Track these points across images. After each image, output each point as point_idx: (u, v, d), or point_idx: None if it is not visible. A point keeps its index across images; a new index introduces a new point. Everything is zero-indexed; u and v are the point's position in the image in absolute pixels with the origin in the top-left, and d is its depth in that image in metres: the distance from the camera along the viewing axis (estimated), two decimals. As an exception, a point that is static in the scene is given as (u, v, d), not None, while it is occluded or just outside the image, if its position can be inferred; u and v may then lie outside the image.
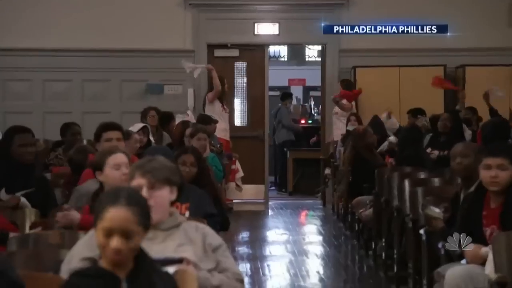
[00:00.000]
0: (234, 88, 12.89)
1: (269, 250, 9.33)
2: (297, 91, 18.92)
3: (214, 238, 3.70)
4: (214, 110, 11.34)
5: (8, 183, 5.64)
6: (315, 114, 17.16)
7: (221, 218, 5.64)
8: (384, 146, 10.27)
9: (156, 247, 3.45)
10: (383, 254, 7.69)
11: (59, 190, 6.45)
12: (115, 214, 2.87)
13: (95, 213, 2.94)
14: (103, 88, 12.58)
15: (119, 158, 4.92)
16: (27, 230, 5.14)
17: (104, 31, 12.29)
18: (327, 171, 12.29)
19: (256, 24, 12.75)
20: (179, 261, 3.34)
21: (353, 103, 12.07)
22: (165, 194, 3.65)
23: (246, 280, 7.43)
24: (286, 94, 15.56)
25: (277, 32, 12.82)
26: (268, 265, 8.38)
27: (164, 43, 12.44)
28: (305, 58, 19.67)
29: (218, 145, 9.97)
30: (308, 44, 16.94)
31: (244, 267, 8.09)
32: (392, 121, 11.29)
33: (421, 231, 5.81)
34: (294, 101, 16.45)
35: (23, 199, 5.55)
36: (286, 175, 14.27)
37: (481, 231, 4.87)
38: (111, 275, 2.90)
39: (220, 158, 9.14)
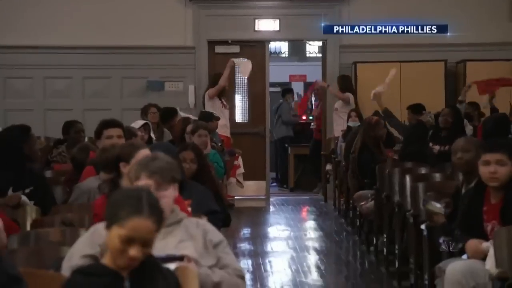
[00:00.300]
0: (235, 85, 12.87)
1: (270, 246, 9.33)
2: (298, 87, 18.89)
3: (215, 234, 3.71)
4: (214, 106, 11.33)
5: (17, 183, 5.67)
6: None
7: (222, 214, 5.65)
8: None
9: (157, 243, 3.40)
10: (385, 250, 7.70)
11: (60, 188, 6.45)
12: (139, 225, 2.84)
13: (111, 212, 2.90)
14: (103, 85, 12.57)
15: (146, 154, 4.93)
16: (28, 228, 5.16)
17: (105, 28, 12.28)
18: (328, 167, 12.28)
19: (256, 20, 12.73)
20: (180, 258, 3.34)
21: (351, 101, 12.06)
22: (171, 193, 3.67)
23: (248, 276, 7.44)
24: (287, 90, 15.54)
25: (277, 28, 12.80)
26: (269, 261, 8.38)
27: (165, 40, 12.43)
28: (305, 54, 19.61)
29: (219, 144, 9.96)
30: (309, 40, 16.89)
31: (246, 264, 8.10)
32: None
33: (422, 227, 5.81)
34: (295, 97, 16.43)
35: (23, 197, 5.56)
36: (287, 171, 14.28)
37: (482, 226, 4.88)
38: (115, 273, 2.91)
39: (221, 155, 9.14)
